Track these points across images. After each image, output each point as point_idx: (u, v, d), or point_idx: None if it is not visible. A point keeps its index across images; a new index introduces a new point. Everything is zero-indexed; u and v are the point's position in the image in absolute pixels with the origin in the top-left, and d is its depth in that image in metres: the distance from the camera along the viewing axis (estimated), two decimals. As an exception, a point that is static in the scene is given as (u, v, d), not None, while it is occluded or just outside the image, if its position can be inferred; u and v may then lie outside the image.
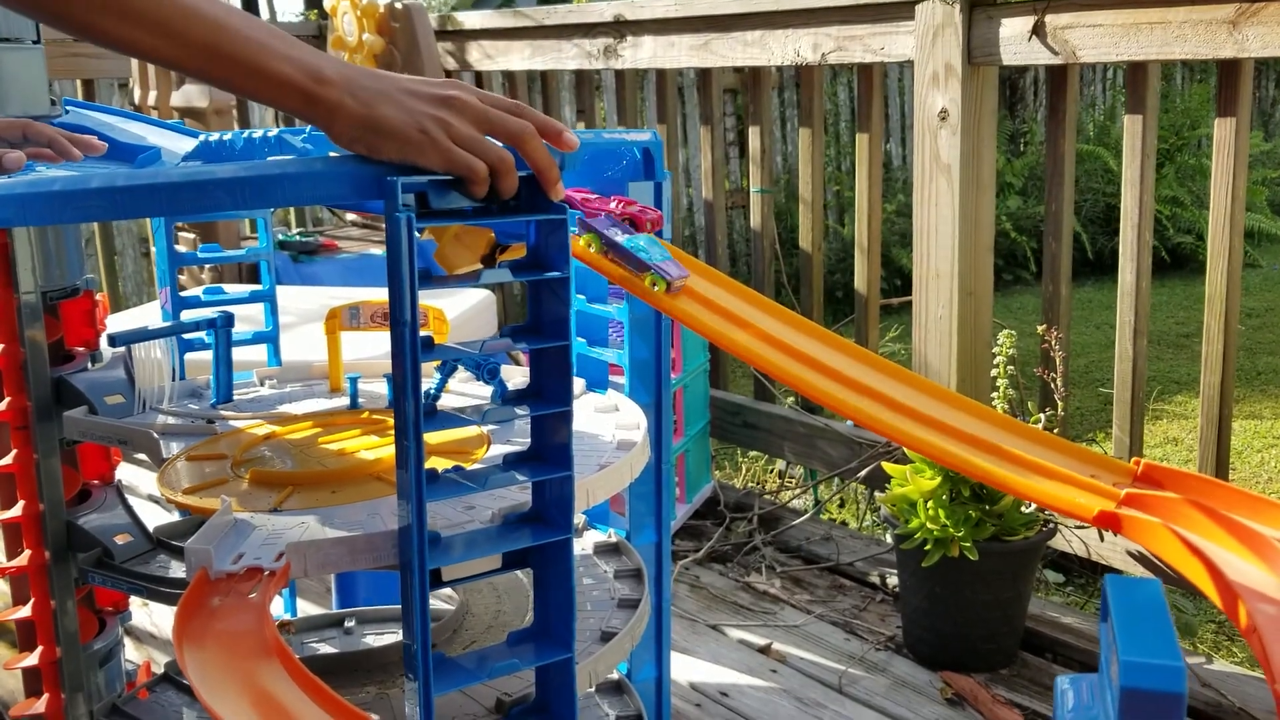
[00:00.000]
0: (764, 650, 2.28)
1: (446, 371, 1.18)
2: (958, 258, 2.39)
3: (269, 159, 0.84)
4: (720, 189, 3.16)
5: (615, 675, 1.29)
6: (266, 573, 0.82)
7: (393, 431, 1.14)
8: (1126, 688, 0.49)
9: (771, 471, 3.46)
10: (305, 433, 1.16)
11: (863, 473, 2.65)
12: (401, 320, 0.78)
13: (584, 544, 1.30)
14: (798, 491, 3.05)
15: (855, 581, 2.55)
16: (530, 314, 0.87)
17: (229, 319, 1.27)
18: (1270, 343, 5.60)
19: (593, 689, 1.24)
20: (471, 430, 1.15)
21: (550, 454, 0.88)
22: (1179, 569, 0.72)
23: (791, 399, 2.97)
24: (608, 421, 1.19)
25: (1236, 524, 0.71)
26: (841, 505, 3.17)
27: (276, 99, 0.81)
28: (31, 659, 1.31)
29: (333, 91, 0.80)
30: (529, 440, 0.89)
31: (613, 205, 0.94)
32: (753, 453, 3.48)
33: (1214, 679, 2.06)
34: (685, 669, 2.21)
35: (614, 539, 1.28)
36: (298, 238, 3.22)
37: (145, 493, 2.76)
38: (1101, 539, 2.19)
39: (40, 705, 1.32)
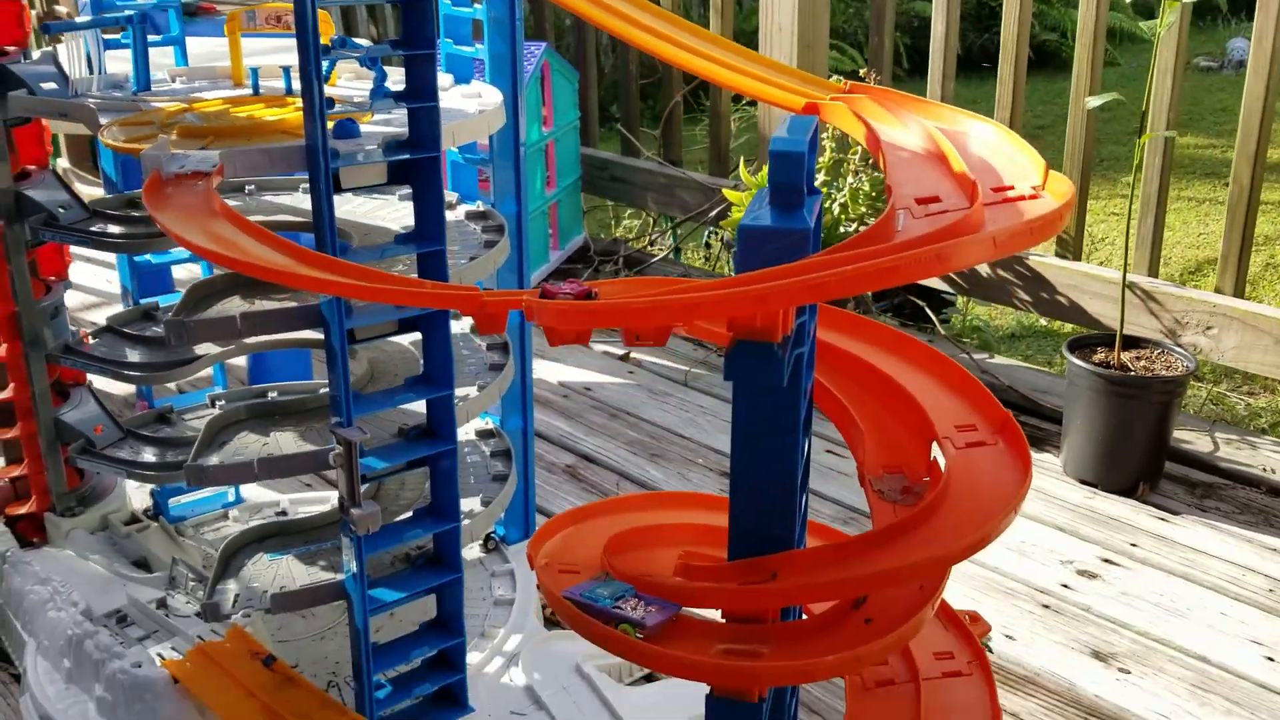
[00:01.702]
0: (623, 358, 2.63)
1: (331, 61, 1.43)
2: (798, 11, 2.65)
3: None
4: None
5: (490, 424, 1.62)
6: (206, 172, 1.09)
7: (292, 105, 1.39)
8: (771, 151, 0.81)
9: (646, 233, 3.76)
10: (218, 107, 1.41)
11: (714, 213, 2.98)
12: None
13: (457, 214, 1.59)
14: (659, 234, 3.36)
15: (706, 307, 2.91)
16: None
17: (144, 15, 1.48)
18: (1115, 134, 6.01)
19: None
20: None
21: (422, 93, 1.15)
22: (848, 132, 1.04)
23: (653, 151, 3.25)
24: (471, 102, 1.46)
25: (896, 108, 1.03)
26: (707, 256, 3.50)
27: None
28: (-9, 313, 1.56)
29: None
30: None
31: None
32: (626, 219, 3.78)
33: (994, 369, 2.50)
34: (554, 372, 2.55)
35: (481, 207, 1.57)
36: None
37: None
38: (906, 254, 2.57)
39: (1, 350, 1.58)
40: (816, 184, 0.88)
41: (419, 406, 1.36)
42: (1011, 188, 0.89)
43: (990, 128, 0.98)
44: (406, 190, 1.57)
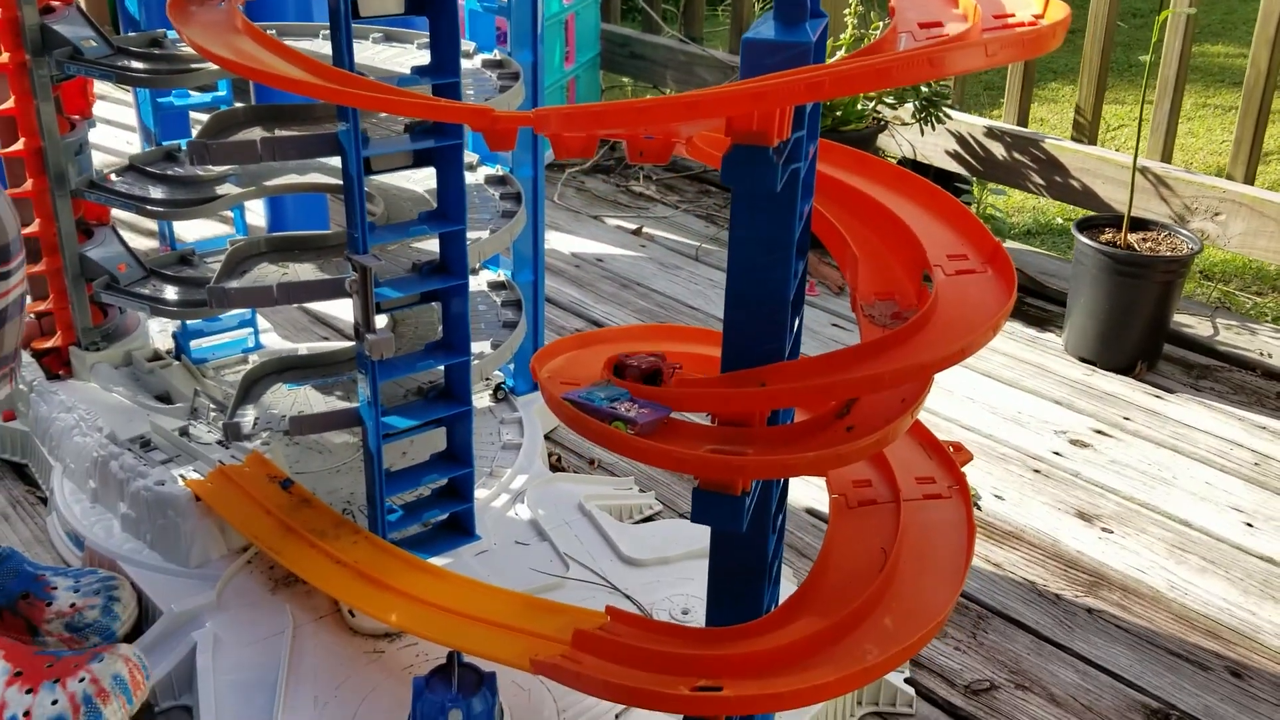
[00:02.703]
0: (636, 232, 2.66)
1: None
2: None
3: None
4: None
5: (502, 276, 1.65)
6: (228, -6, 1.12)
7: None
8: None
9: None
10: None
11: (732, 92, 2.97)
12: None
13: (477, 176, 1.61)
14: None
15: (720, 188, 2.93)
16: None
17: None
18: (1146, 40, 5.89)
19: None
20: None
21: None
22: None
23: (674, 29, 3.23)
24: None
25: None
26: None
27: None
28: (17, 146, 1.59)
29: None
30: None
31: None
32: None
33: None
34: (567, 243, 2.59)
35: (500, 171, 1.59)
36: None
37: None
38: (922, 133, 2.57)
39: (27, 186, 1.62)
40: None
41: (433, 245, 1.40)
42: (1012, 15, 0.91)
43: (997, -37, 0.99)
44: (424, 39, 1.59)
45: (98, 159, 1.72)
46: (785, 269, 0.88)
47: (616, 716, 1.18)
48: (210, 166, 1.49)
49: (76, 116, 1.67)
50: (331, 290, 1.30)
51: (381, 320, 1.30)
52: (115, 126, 3.12)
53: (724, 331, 0.93)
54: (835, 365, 0.89)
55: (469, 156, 1.68)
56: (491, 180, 1.62)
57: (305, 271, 1.38)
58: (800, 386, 0.88)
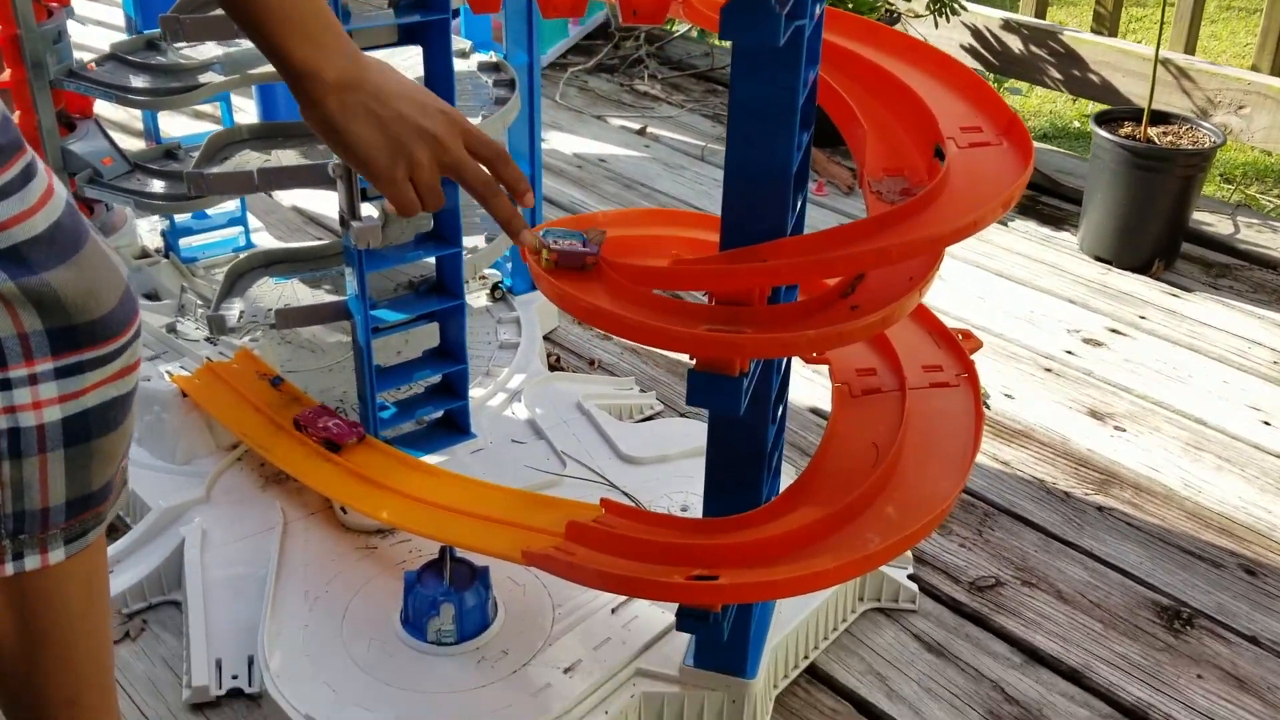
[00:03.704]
0: (640, 132, 2.59)
1: None
2: None
3: None
4: None
5: (494, 58, 1.57)
6: None
7: None
8: None
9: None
10: None
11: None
12: None
13: (470, 63, 1.53)
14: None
15: (727, 86, 2.84)
16: None
17: None
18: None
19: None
20: None
21: None
22: None
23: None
24: None
25: None
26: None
27: (273, 60, 0.79)
28: (-8, 34, 1.53)
29: (319, 89, 0.79)
30: None
31: None
32: None
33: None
34: (570, 144, 2.52)
35: (494, 58, 1.51)
36: None
37: None
38: (936, 26, 2.48)
39: (4, 75, 1.56)
40: None
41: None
42: None
43: None
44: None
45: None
46: (788, 136, 0.83)
47: (613, 610, 1.15)
48: (189, 52, 1.43)
49: (54, 4, 1.60)
50: (314, 176, 1.25)
51: (368, 209, 1.25)
52: (105, 28, 3.04)
53: (723, 207, 0.87)
54: (840, 239, 0.84)
55: (461, 43, 1.61)
56: (485, 67, 1.55)
57: (288, 158, 1.33)
58: (802, 261, 0.83)
